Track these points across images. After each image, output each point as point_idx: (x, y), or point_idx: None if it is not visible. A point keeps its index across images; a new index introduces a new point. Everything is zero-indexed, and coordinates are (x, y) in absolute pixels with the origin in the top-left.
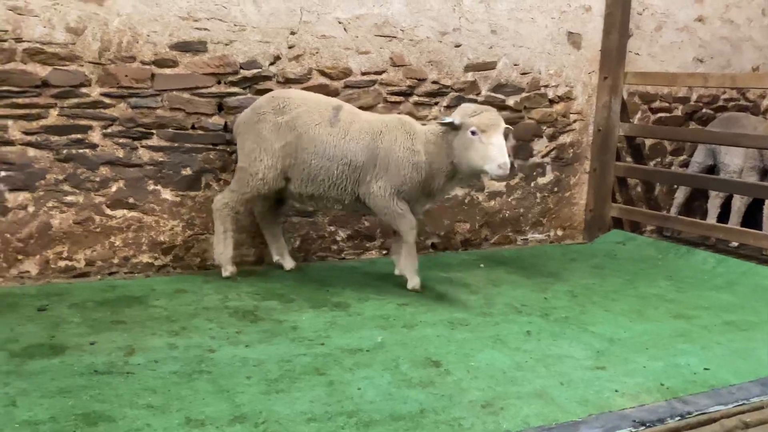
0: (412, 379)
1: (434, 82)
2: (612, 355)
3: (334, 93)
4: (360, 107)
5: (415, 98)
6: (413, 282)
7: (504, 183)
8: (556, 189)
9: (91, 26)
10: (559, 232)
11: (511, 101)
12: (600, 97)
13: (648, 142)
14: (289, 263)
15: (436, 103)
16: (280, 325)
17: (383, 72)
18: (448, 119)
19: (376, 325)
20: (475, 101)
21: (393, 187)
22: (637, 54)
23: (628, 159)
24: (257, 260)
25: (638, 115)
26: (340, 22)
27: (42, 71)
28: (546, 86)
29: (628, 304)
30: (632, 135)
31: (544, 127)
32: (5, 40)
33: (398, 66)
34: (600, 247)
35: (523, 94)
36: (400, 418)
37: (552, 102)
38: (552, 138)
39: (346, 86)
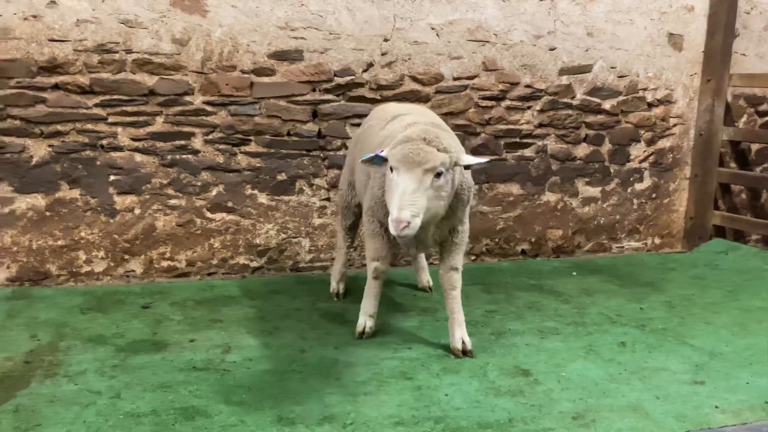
0: (501, 388)
1: (527, 86)
2: (712, 370)
3: (425, 99)
4: (450, 113)
5: (507, 102)
6: (358, 323)
7: (599, 188)
8: (654, 195)
9: (195, 37)
10: (657, 241)
11: (607, 105)
12: (702, 100)
13: (754, 146)
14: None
15: (529, 107)
16: None
17: (475, 77)
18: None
19: None
20: (569, 105)
21: (367, 203)
22: (744, 55)
23: (732, 165)
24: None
25: (743, 119)
26: (432, 28)
27: (149, 81)
28: (644, 89)
29: (730, 317)
30: (737, 139)
31: (642, 132)
32: (116, 52)
33: (491, 70)
34: (700, 257)
35: (620, 98)
36: (487, 426)
37: (651, 105)
38: (650, 142)
39: (438, 92)
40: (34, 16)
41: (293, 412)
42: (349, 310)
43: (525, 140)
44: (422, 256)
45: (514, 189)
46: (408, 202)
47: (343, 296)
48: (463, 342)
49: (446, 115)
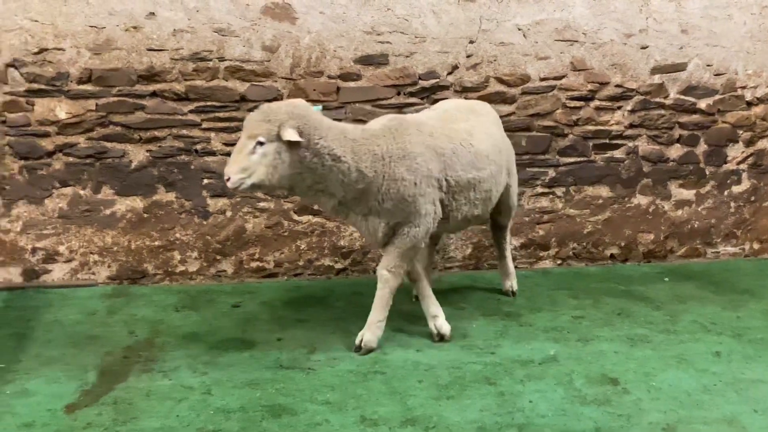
0: (587, 396)
1: (617, 86)
2: None
3: (510, 100)
4: (537, 114)
5: (596, 103)
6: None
7: (693, 191)
8: (752, 198)
9: (284, 44)
10: (756, 246)
11: (702, 104)
12: None
13: None
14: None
15: (619, 107)
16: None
17: (563, 77)
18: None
19: (548, 337)
20: (662, 105)
21: None
22: None
23: None
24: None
25: None
26: (519, 29)
27: (241, 87)
28: (743, 87)
29: None
30: None
31: (741, 132)
32: (210, 60)
33: (579, 70)
34: None
35: (717, 97)
36: None
37: (750, 104)
38: (749, 143)
39: (524, 93)
40: (135, 28)
41: (376, 413)
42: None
43: (615, 141)
44: (507, 261)
45: (603, 191)
46: (233, 161)
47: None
48: (363, 340)
49: (533, 117)
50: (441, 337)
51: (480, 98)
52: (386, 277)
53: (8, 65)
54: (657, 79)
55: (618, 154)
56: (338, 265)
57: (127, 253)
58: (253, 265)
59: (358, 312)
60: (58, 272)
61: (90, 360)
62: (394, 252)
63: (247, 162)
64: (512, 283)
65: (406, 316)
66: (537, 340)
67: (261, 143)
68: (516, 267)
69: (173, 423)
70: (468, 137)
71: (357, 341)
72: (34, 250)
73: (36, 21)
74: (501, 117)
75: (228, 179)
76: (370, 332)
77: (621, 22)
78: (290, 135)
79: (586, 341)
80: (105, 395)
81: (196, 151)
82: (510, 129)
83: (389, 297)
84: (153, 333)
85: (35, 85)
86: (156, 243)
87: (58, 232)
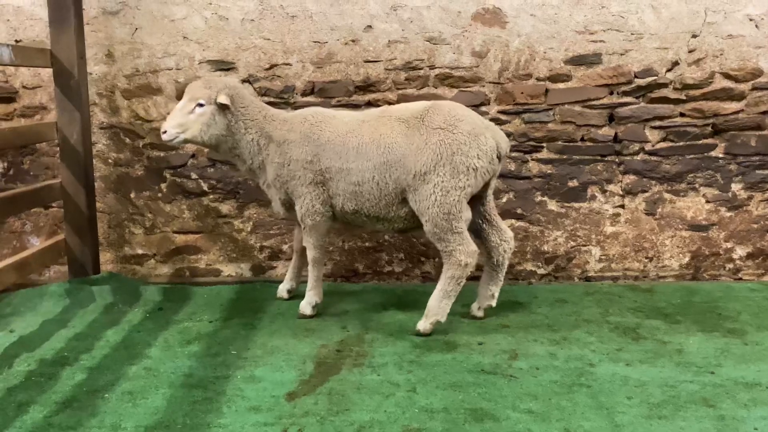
0: None
1: None
2: None
3: (738, 97)
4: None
5: None
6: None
7: None
8: None
9: (494, 49)
10: None
11: None
12: None
13: None
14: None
15: None
16: (664, 346)
17: None
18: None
19: None
20: None
21: None
22: None
23: None
24: (639, 276)
25: None
26: (751, 19)
27: (449, 93)
28: None
29: None
30: None
31: None
32: (421, 68)
33: None
34: None
35: None
36: None
37: None
38: None
39: (755, 88)
40: (353, 41)
41: (582, 427)
42: (644, 326)
43: None
44: (488, 271)
45: None
46: (171, 117)
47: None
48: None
49: (764, 114)
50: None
51: (704, 95)
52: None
53: (244, 80)
54: None
55: None
56: (540, 271)
57: (341, 253)
58: None
59: (562, 320)
60: (281, 268)
61: (308, 351)
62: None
63: (185, 119)
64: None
65: (615, 327)
66: (765, 361)
67: (201, 105)
68: (740, 279)
69: (381, 417)
70: (352, 130)
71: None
72: (261, 248)
73: (268, 39)
74: (726, 115)
75: (164, 132)
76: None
77: None
78: (224, 99)
79: None
80: (321, 386)
81: None
82: (737, 128)
83: (314, 268)
84: (363, 329)
85: (266, 98)
86: (366, 244)
87: (282, 233)
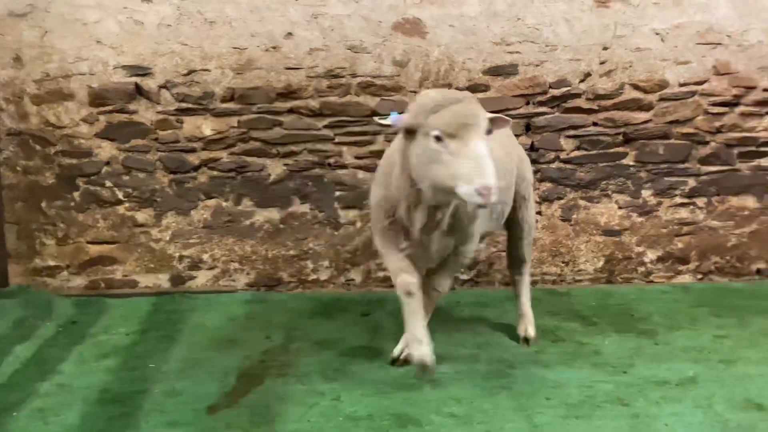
0: (729, 422)
1: (766, 90)
2: None
3: (647, 107)
4: (675, 121)
5: (741, 108)
6: (414, 353)
7: None
8: None
9: (414, 58)
10: None
11: None
12: None
13: None
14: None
15: None
16: (581, 348)
17: (704, 82)
18: (387, 119)
19: (687, 358)
20: None
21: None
22: None
23: None
24: (556, 280)
25: None
26: (657, 33)
27: (371, 102)
28: None
29: None
30: None
31: None
32: (343, 76)
33: (722, 75)
34: None
35: None
36: None
37: None
38: None
39: (661, 99)
40: (274, 48)
41: (503, 429)
42: (562, 329)
43: (763, 149)
44: (523, 299)
45: (750, 202)
46: (491, 168)
47: None
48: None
49: (671, 124)
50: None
51: (614, 105)
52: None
53: (161, 87)
54: None
55: (766, 162)
56: (463, 276)
57: (264, 262)
58: (381, 274)
59: (484, 324)
60: (201, 278)
61: (230, 363)
62: (450, 275)
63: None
64: (526, 328)
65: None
66: (675, 360)
67: (490, 132)
68: (652, 281)
69: (305, 427)
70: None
71: (394, 355)
72: (180, 258)
73: (186, 45)
74: (635, 124)
75: (491, 191)
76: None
77: None
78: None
79: (729, 363)
80: (243, 398)
81: (329, 164)
82: (646, 137)
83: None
84: (288, 339)
85: (184, 104)
86: (291, 252)
87: (202, 241)
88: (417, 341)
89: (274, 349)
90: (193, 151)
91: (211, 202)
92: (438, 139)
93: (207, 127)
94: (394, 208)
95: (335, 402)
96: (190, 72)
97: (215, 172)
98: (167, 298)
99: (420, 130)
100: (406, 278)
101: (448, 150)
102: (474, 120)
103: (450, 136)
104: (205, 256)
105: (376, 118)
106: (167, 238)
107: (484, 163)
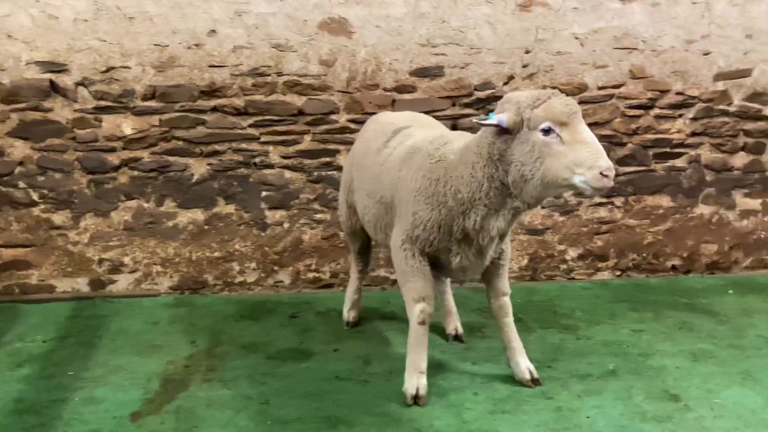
0: (647, 413)
1: (678, 93)
2: None
3: None
4: (595, 123)
5: (656, 111)
6: (408, 384)
7: (759, 200)
8: None
9: (341, 58)
10: None
11: None
12: None
13: None
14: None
15: (681, 116)
16: None
17: (621, 85)
18: (489, 119)
19: (608, 351)
20: (725, 112)
21: (404, 232)
22: None
23: None
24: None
25: None
26: (576, 38)
27: (298, 101)
28: None
29: None
30: None
31: None
32: (269, 75)
33: (638, 78)
34: None
35: None
36: None
37: None
38: None
39: (581, 102)
40: (197, 45)
41: (432, 426)
42: (489, 326)
43: (676, 150)
44: (450, 297)
45: (664, 201)
46: (602, 148)
47: (354, 325)
48: (530, 371)
49: (590, 126)
50: (417, 400)
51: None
52: (510, 302)
53: (78, 84)
54: (720, 85)
55: (679, 163)
56: (393, 276)
57: (188, 264)
58: (310, 275)
59: None
60: (123, 282)
61: (153, 368)
62: (506, 273)
63: None
64: (458, 325)
65: (464, 328)
66: (596, 354)
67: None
68: (573, 278)
69: None
70: None
71: (527, 377)
72: (100, 261)
73: (104, 41)
74: None
75: (613, 172)
76: (528, 360)
77: (682, 28)
78: None
79: (647, 356)
80: (168, 404)
81: (255, 164)
82: None
83: None
84: (213, 343)
85: (103, 103)
86: (216, 254)
87: (123, 244)
88: (419, 372)
89: (200, 353)
90: (112, 150)
91: (132, 203)
92: (546, 132)
93: (127, 125)
94: (452, 224)
95: (264, 406)
96: (109, 69)
97: (136, 173)
98: (86, 303)
99: (524, 126)
100: (427, 309)
101: (559, 140)
102: (578, 107)
103: (561, 124)
104: (126, 259)
105: (474, 119)
106: (86, 241)
107: (599, 147)
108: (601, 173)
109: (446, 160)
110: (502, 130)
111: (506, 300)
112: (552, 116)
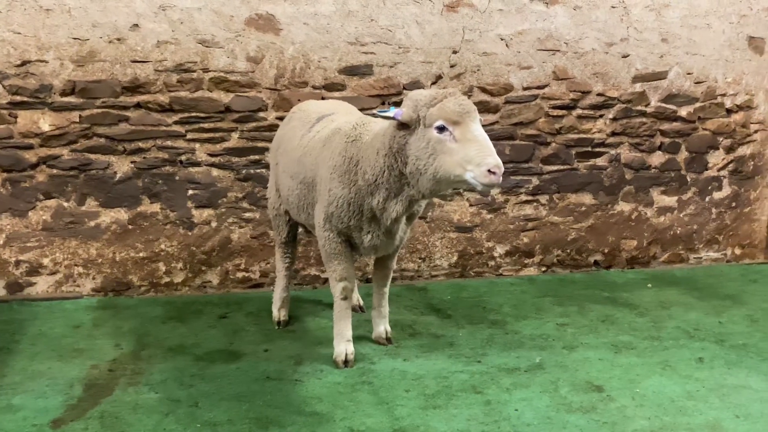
0: (572, 404)
1: (599, 95)
2: None
3: (494, 109)
4: (520, 123)
5: (578, 111)
6: (337, 351)
7: (675, 197)
8: (734, 204)
9: (269, 55)
10: (737, 251)
11: (683, 112)
12: None
13: None
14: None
15: (601, 116)
16: (437, 340)
17: (545, 86)
18: (389, 112)
19: (534, 345)
20: (643, 113)
21: (323, 210)
22: None
23: None
24: (414, 276)
25: None
26: (502, 39)
27: (225, 98)
28: (723, 95)
29: None
30: None
31: (721, 139)
32: (194, 71)
33: (561, 79)
34: None
35: (697, 104)
36: None
37: (730, 111)
38: (729, 150)
39: (507, 102)
40: (119, 39)
41: (364, 424)
42: (419, 323)
43: (597, 149)
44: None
45: (586, 199)
46: (493, 148)
47: (285, 324)
48: (387, 332)
49: (516, 126)
50: (347, 363)
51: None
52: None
53: None
54: (638, 87)
55: (600, 161)
56: (324, 275)
57: (111, 265)
58: (239, 275)
59: None
60: (42, 285)
61: (76, 373)
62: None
63: None
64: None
65: (394, 325)
66: (523, 347)
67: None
68: (501, 275)
69: None
70: None
71: (383, 336)
72: (17, 263)
73: (18, 33)
74: (485, 126)
75: (501, 169)
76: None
77: (602, 31)
78: None
79: (572, 348)
80: (91, 409)
81: (181, 162)
82: (494, 138)
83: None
84: (139, 345)
85: (18, 98)
86: (141, 254)
87: (42, 245)
88: (346, 339)
89: (125, 357)
90: (29, 147)
91: (51, 202)
92: (440, 129)
93: (45, 122)
94: (362, 203)
95: (192, 409)
96: (25, 63)
97: (55, 171)
98: (3, 307)
99: (420, 123)
100: (348, 285)
101: (452, 137)
102: (473, 107)
103: (454, 123)
104: (45, 261)
105: (376, 111)
106: (1, 242)
107: (489, 145)
108: (488, 170)
109: (361, 140)
110: (401, 125)
111: (388, 273)
112: (445, 115)
